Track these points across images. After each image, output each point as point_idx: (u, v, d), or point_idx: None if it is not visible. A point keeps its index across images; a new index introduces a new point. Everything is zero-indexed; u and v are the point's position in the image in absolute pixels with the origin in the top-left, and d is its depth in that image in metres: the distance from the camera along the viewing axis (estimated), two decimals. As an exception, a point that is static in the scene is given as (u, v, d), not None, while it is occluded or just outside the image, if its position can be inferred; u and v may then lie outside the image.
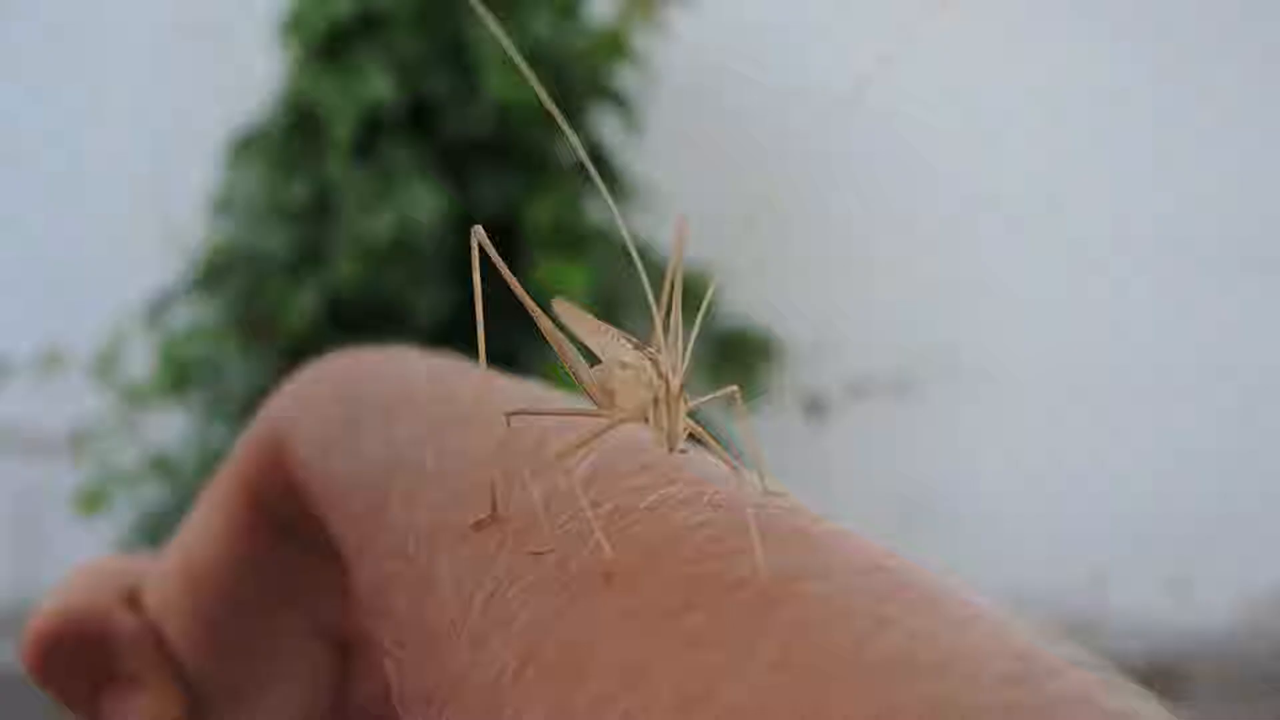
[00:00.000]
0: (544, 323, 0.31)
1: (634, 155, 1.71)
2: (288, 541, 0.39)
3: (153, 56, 2.05)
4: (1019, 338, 2.07)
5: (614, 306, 1.47)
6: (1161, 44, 2.02)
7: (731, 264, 1.71)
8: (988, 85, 2.04)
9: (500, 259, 0.31)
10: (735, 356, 1.66)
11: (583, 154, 0.25)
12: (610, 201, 0.28)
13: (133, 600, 0.41)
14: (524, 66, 0.25)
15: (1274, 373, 2.05)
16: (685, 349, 0.28)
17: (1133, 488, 2.07)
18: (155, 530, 1.51)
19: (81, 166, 2.07)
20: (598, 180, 0.25)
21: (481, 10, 0.27)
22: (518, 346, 1.23)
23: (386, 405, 0.35)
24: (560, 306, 0.34)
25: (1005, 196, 2.05)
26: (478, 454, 0.29)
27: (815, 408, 1.85)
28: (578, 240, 1.50)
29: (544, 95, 0.24)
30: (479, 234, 0.31)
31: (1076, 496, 2.08)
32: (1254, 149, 2.03)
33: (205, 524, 0.40)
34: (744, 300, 1.74)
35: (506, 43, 0.25)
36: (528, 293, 0.32)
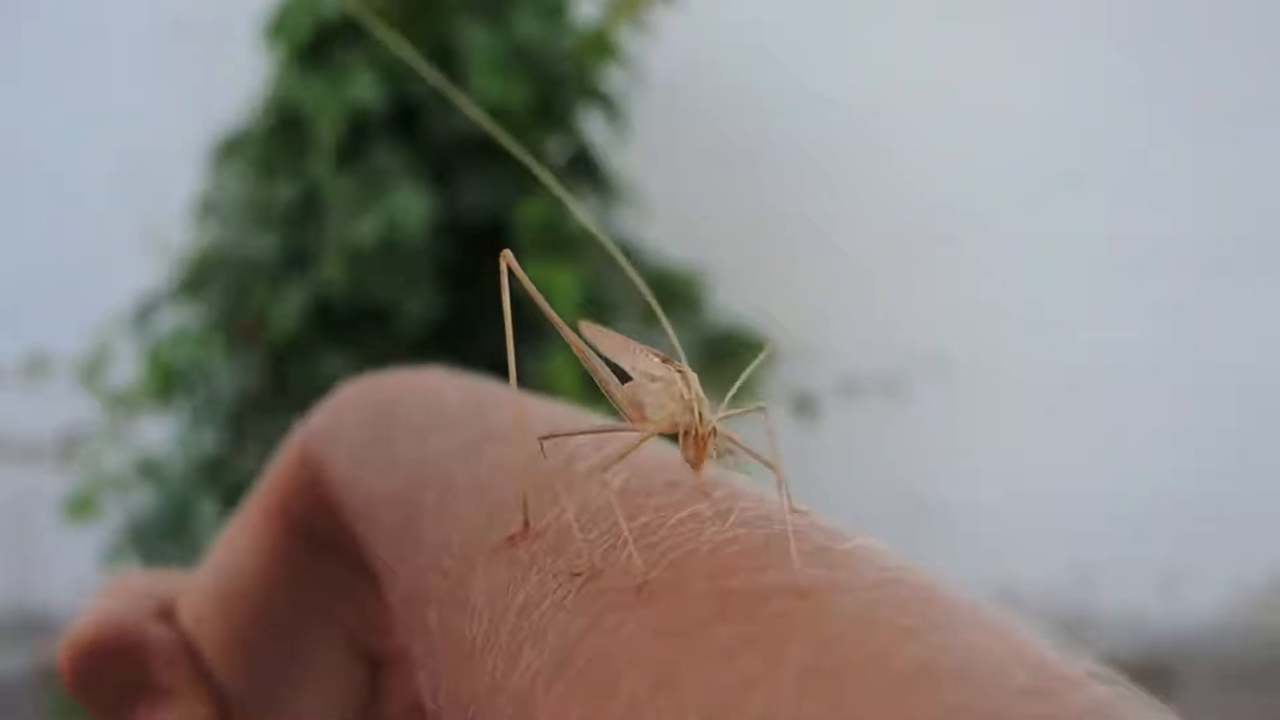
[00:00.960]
0: (574, 341, 0.32)
1: (623, 156, 1.70)
2: (322, 558, 0.40)
3: (142, 60, 2.04)
4: (1010, 336, 2.07)
5: (605, 309, 1.46)
6: (1158, 40, 2.02)
7: (722, 264, 1.71)
8: (979, 84, 2.04)
9: (527, 279, 0.32)
10: (726, 356, 1.66)
11: (545, 177, 0.25)
12: (576, 207, 0.28)
13: (167, 614, 0.41)
14: (442, 81, 0.26)
15: (1264, 370, 2.06)
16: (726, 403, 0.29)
17: (1124, 484, 2.07)
18: (145, 535, 1.51)
19: (68, 169, 2.06)
20: (560, 191, 0.25)
21: (384, 31, 0.28)
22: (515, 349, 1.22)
23: (419, 422, 0.36)
24: (587, 328, 0.35)
25: (995, 195, 2.05)
26: (510, 469, 0.30)
27: (806, 407, 1.84)
28: (567, 242, 1.50)
29: (488, 122, 0.24)
30: (508, 258, 0.32)
31: (1068, 493, 2.08)
32: (1249, 147, 2.04)
33: (239, 540, 0.41)
34: (735, 300, 1.73)
35: (420, 63, 0.25)
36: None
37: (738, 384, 0.29)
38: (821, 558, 0.23)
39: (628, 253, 1.61)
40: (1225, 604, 2.10)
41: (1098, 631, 2.00)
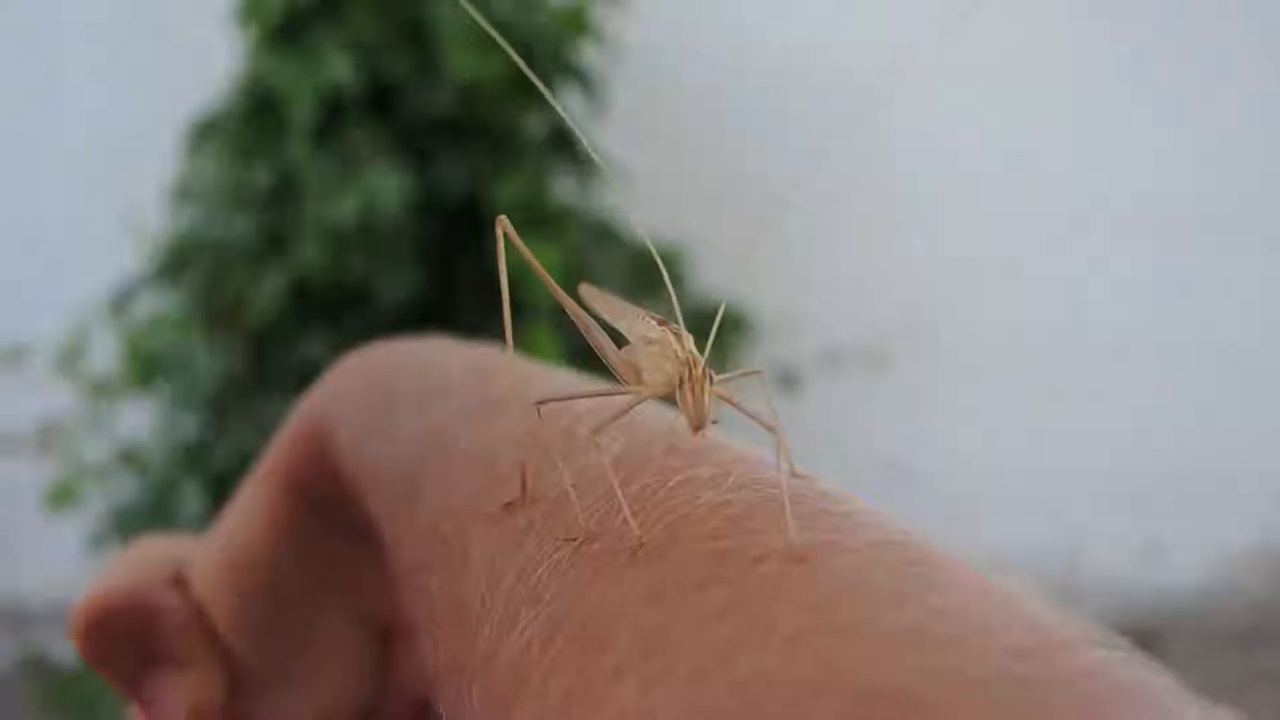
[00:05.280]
0: (570, 306, 0.32)
1: (601, 133, 1.69)
2: (330, 528, 0.40)
3: (114, 43, 2.02)
4: (993, 301, 2.08)
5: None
6: (1126, 2, 2.02)
7: (703, 238, 1.70)
8: (961, 48, 2.03)
9: (523, 245, 0.32)
10: (707, 330, 1.65)
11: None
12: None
13: (178, 581, 0.41)
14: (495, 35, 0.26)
15: (1247, 331, 2.07)
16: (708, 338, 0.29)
17: (1108, 449, 2.08)
18: (128, 524, 1.50)
19: (43, 155, 2.04)
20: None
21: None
22: (492, 322, 1.22)
23: (422, 391, 0.36)
24: (586, 290, 0.35)
25: (976, 161, 2.05)
26: (509, 436, 0.31)
27: (789, 379, 1.85)
28: (546, 219, 1.49)
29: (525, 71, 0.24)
30: (504, 223, 0.32)
31: (1051, 460, 2.09)
32: (1219, 110, 2.04)
33: (248, 509, 0.41)
34: (717, 275, 1.73)
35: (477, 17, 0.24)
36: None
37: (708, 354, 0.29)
38: (818, 521, 0.23)
39: (610, 230, 1.61)
40: (1208, 568, 2.12)
41: (1082, 598, 2.02)
